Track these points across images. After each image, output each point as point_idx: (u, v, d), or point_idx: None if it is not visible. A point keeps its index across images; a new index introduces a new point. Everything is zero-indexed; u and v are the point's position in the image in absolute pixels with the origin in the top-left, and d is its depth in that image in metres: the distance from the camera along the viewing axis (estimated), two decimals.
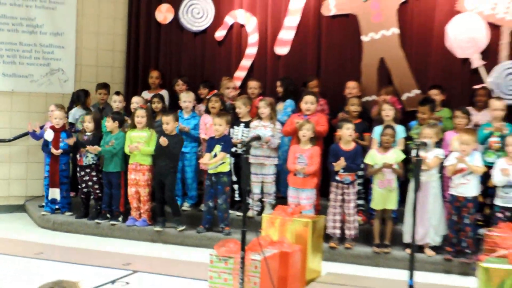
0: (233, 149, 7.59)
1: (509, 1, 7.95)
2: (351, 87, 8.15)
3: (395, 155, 6.81)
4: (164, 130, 7.60)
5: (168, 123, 7.57)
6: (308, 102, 7.56)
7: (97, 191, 8.16)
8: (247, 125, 7.84)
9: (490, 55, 8.10)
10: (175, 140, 7.63)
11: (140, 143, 7.70)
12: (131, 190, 7.83)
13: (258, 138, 4.41)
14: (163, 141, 7.40)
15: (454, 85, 8.27)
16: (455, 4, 8.17)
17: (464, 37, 8.12)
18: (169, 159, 7.63)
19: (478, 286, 3.88)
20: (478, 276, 3.92)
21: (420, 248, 6.75)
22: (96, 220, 8.05)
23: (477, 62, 8.14)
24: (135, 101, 8.45)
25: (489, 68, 8.10)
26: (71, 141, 8.23)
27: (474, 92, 7.93)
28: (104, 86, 9.28)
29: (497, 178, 6.45)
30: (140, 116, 7.78)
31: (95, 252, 7.20)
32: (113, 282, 5.98)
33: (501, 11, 8.02)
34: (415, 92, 8.38)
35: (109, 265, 6.55)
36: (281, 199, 7.70)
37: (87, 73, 9.78)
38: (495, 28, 8.06)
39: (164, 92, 9.17)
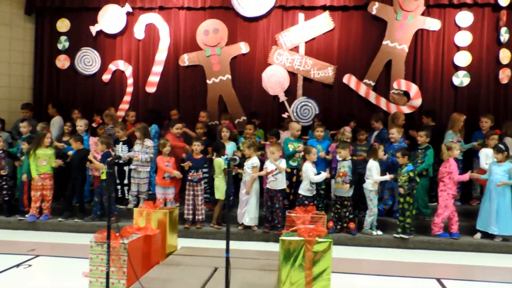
0: (122, 161, 7.22)
1: (301, 58, 8.26)
2: (201, 115, 8.03)
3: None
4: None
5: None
6: (179, 128, 7.47)
7: (8, 195, 7.30)
8: (124, 143, 7.50)
9: (291, 93, 8.35)
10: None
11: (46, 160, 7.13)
12: (36, 194, 7.07)
13: (118, 157, 4.06)
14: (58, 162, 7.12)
15: (268, 113, 8.43)
16: (267, 59, 8.36)
17: (273, 80, 8.31)
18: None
19: (279, 252, 3.85)
20: (280, 244, 3.89)
21: (250, 227, 6.73)
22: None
23: (282, 97, 8.35)
24: (23, 125, 7.72)
25: (290, 101, 8.34)
26: None
27: (281, 118, 8.11)
28: (27, 106, 8.50)
29: (313, 176, 6.40)
30: (48, 137, 7.22)
31: (6, 242, 6.40)
32: (17, 265, 5.32)
33: (297, 64, 8.31)
34: (243, 118, 8.45)
35: (16, 252, 5.86)
36: (152, 195, 7.34)
37: (2, 105, 8.82)
38: (293, 76, 8.33)
39: (59, 118, 8.35)
